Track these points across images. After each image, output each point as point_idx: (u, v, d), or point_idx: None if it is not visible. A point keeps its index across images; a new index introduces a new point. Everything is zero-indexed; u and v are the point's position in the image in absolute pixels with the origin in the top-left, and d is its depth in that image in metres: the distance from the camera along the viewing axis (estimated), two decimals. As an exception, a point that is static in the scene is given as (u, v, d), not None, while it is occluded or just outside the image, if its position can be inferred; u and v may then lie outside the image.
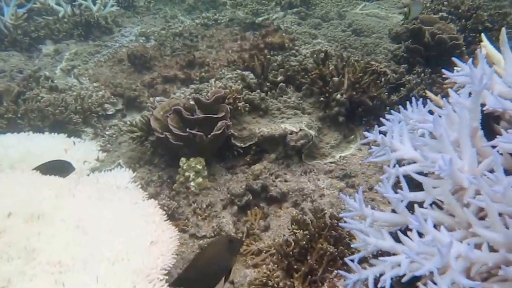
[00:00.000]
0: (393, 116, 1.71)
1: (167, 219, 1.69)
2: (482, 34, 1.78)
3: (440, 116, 1.44)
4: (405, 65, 3.12)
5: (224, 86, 2.69)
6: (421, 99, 1.63)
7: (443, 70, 1.60)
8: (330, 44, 3.60)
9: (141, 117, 2.67)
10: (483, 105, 1.40)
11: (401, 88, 2.90)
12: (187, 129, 2.29)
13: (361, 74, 2.72)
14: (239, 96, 2.58)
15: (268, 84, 2.90)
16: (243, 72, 2.97)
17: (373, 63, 2.93)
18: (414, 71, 3.04)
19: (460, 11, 3.86)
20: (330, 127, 2.68)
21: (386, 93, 2.80)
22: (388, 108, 2.70)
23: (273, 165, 2.43)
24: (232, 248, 1.48)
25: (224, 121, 2.35)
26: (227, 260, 1.46)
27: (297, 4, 4.53)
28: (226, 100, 2.53)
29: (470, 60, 1.46)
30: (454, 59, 1.55)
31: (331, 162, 2.51)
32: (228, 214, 2.19)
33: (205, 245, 1.94)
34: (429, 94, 1.85)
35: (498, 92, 1.43)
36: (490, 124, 1.47)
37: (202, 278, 1.40)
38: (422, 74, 2.96)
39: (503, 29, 1.73)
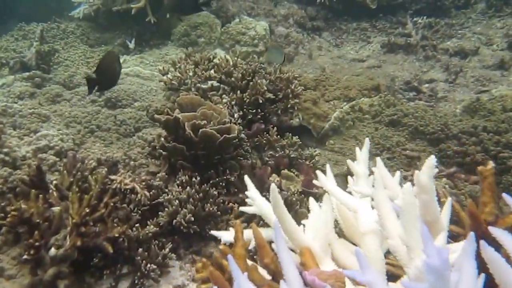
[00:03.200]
0: None
1: None
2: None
3: None
4: (164, 173, 2.22)
5: None
6: None
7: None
8: (64, 133, 2.54)
9: None
10: None
11: (160, 213, 2.00)
12: None
13: (95, 201, 1.82)
14: None
15: None
16: None
17: (114, 177, 2.01)
18: (178, 181, 2.11)
19: (233, 79, 3.13)
20: (44, 298, 1.69)
21: (138, 224, 1.92)
22: (140, 249, 1.86)
23: None
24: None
25: None
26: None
27: (32, 64, 3.34)
28: None
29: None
30: None
31: None
32: None
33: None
34: None
35: None
36: None
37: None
38: (188, 187, 2.03)
39: (273, 185, 1.08)
